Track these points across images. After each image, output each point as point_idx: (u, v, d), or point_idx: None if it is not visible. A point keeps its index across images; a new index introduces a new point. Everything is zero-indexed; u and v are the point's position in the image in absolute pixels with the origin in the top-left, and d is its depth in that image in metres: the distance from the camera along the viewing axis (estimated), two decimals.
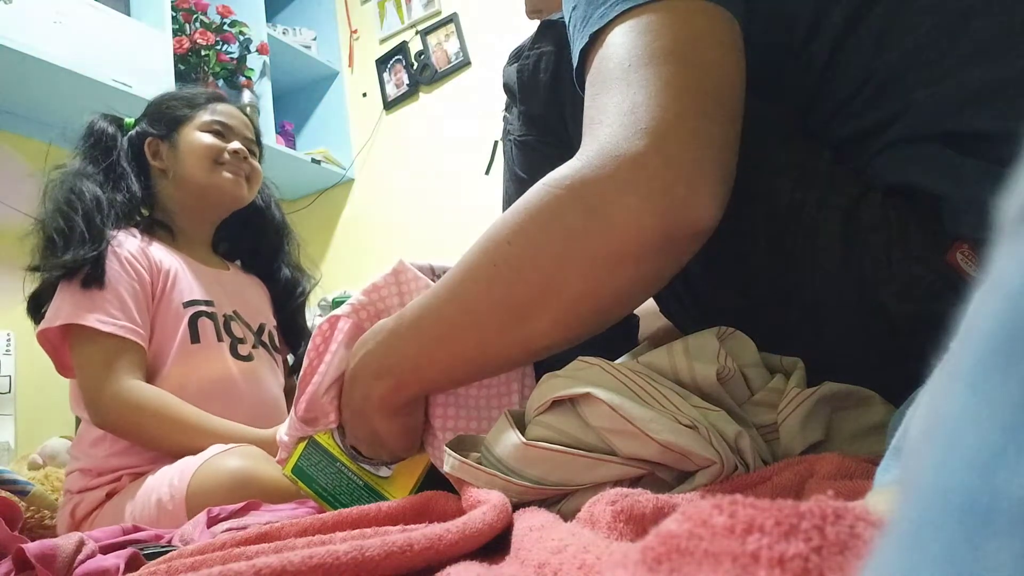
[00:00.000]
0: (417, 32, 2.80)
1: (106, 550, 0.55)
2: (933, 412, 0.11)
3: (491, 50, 2.56)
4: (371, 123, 2.90)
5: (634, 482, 0.48)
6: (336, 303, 2.09)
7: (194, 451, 0.91)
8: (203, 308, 1.11)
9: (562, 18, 0.59)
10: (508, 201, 0.73)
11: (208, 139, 1.16)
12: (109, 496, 0.98)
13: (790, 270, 0.55)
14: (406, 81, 2.82)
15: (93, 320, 0.98)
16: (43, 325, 1.01)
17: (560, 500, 0.49)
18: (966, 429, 0.10)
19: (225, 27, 2.57)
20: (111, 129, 1.18)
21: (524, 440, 0.49)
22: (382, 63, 2.90)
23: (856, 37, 0.53)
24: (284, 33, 2.93)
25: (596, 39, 0.51)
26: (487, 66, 2.58)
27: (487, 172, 2.41)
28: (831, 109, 0.56)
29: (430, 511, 0.52)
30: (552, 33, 0.66)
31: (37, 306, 1.06)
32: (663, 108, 0.45)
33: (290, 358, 1.32)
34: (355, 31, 3.03)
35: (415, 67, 2.80)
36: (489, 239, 0.51)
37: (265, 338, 1.21)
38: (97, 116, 1.20)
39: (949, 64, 0.50)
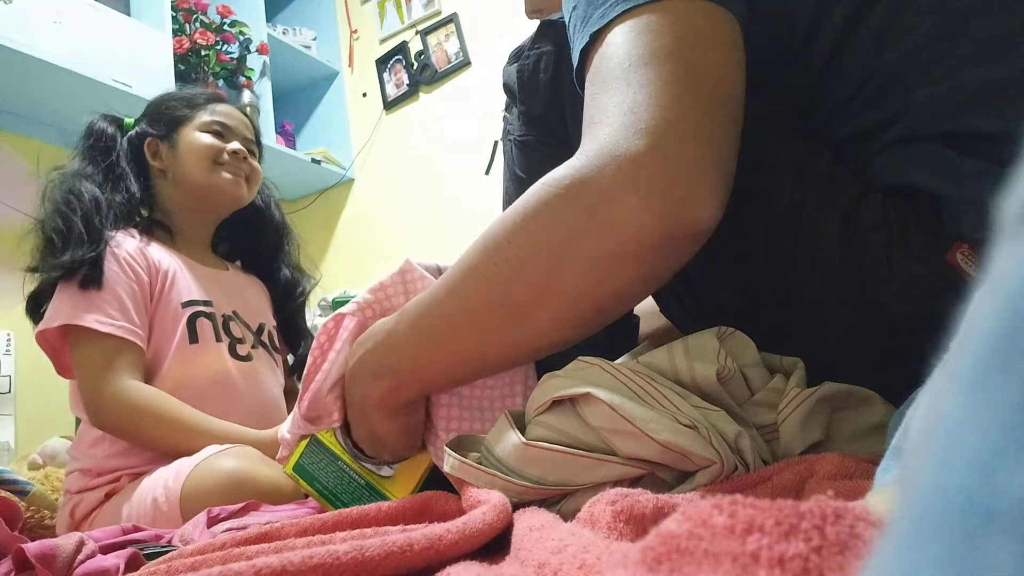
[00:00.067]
0: (417, 32, 2.80)
1: (106, 550, 0.55)
2: (933, 412, 0.11)
3: (491, 50, 2.56)
4: (371, 123, 2.90)
5: (634, 482, 0.48)
6: (336, 303, 2.09)
7: (192, 452, 0.91)
8: (201, 308, 1.11)
9: (562, 18, 0.59)
10: (508, 201, 0.73)
11: (207, 139, 1.16)
12: (108, 496, 0.98)
13: (790, 270, 0.55)
14: (406, 81, 2.82)
15: (91, 321, 0.98)
16: (42, 326, 1.01)
17: (560, 500, 0.49)
18: (966, 429, 0.10)
19: (225, 27, 2.57)
20: (111, 129, 1.18)
21: (524, 440, 0.49)
22: (382, 63, 2.90)
23: (856, 37, 0.53)
24: (284, 33, 2.93)
25: (596, 39, 0.51)
26: (487, 66, 2.58)
27: (487, 172, 2.42)
28: (831, 109, 0.56)
29: (430, 511, 0.52)
30: (552, 33, 0.66)
31: (36, 306, 1.06)
32: (663, 108, 0.45)
33: (290, 358, 1.31)
34: (355, 31, 3.03)
35: (415, 67, 2.80)
36: (488, 239, 0.51)
37: (264, 338, 1.21)
38: (97, 116, 1.20)
39: (949, 64, 0.50)
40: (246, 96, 2.59)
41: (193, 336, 1.08)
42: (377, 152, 2.89)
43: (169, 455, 0.94)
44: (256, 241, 1.33)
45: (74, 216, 1.03)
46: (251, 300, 1.24)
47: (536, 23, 0.70)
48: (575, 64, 0.55)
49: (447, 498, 0.54)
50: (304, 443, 0.66)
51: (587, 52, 0.52)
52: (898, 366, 0.45)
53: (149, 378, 1.03)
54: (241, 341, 1.15)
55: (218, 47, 2.52)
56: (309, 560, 0.33)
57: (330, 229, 2.96)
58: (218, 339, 1.11)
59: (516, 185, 0.70)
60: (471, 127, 2.54)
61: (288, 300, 1.31)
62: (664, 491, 0.43)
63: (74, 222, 1.03)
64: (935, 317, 0.41)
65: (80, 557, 0.50)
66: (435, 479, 0.61)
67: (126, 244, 1.07)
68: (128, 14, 2.26)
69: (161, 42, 2.23)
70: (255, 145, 1.25)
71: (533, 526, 0.40)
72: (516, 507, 0.47)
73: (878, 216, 0.52)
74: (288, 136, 2.91)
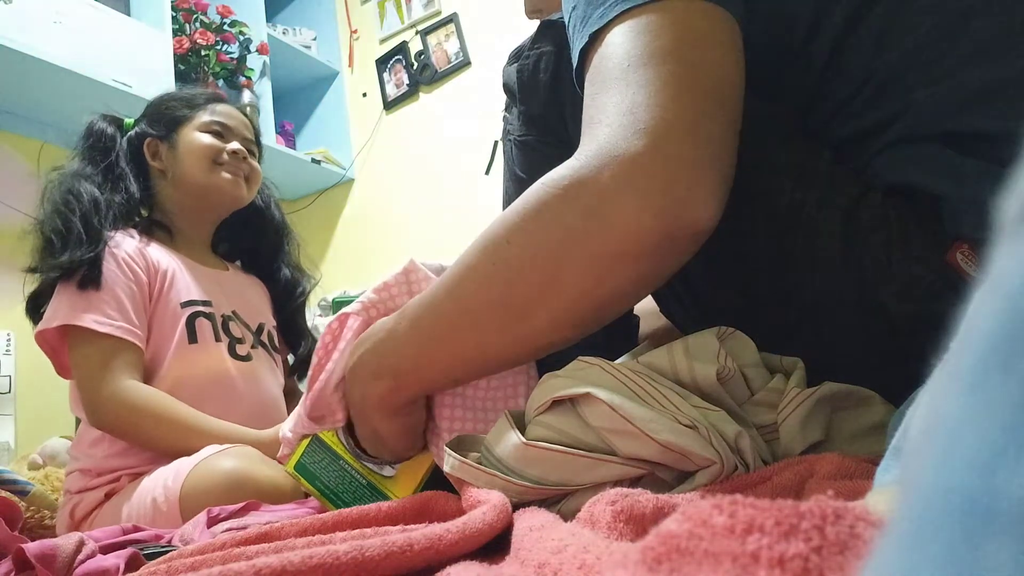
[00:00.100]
0: (417, 32, 2.80)
1: (106, 550, 0.55)
2: (933, 412, 0.11)
3: (491, 50, 2.56)
4: (371, 123, 2.90)
5: (634, 482, 0.48)
6: (336, 303, 2.09)
7: (191, 452, 0.91)
8: (201, 308, 1.11)
9: (562, 18, 0.59)
10: (508, 201, 0.73)
11: (207, 139, 1.16)
12: (108, 496, 0.98)
13: (790, 270, 0.55)
14: (406, 81, 2.82)
15: (90, 321, 0.98)
16: (40, 326, 1.01)
17: (560, 500, 0.49)
18: (966, 429, 0.10)
19: (225, 27, 2.57)
20: (110, 130, 1.18)
21: (524, 440, 0.49)
22: (382, 63, 2.90)
23: (856, 37, 0.53)
24: (284, 33, 2.93)
25: (595, 39, 0.51)
26: (487, 66, 2.58)
27: (487, 172, 2.42)
28: (831, 109, 0.56)
29: (430, 511, 0.52)
30: (552, 33, 0.66)
31: (36, 307, 1.06)
32: (662, 108, 0.45)
33: (290, 358, 1.31)
34: (355, 31, 3.03)
35: (415, 67, 2.80)
36: (488, 239, 0.51)
37: (264, 338, 1.21)
38: (96, 116, 1.20)
39: (949, 64, 0.50)
40: (246, 96, 2.59)
41: (192, 336, 1.08)
42: (377, 152, 2.89)
43: (168, 455, 0.94)
44: (256, 241, 1.33)
45: (73, 217, 1.03)
46: (251, 300, 1.24)
47: (536, 23, 0.70)
48: (575, 64, 0.55)
49: (447, 498, 0.54)
50: (306, 442, 0.66)
51: (586, 52, 0.52)
52: (898, 366, 0.45)
53: (148, 378, 1.03)
54: (240, 341, 1.15)
55: (218, 47, 2.52)
56: (309, 560, 0.33)
57: (330, 229, 2.96)
58: (217, 339, 1.11)
59: (516, 185, 0.70)
60: (471, 127, 2.54)
61: (288, 300, 1.31)
62: (664, 491, 0.43)
63: (73, 223, 1.02)
64: (935, 317, 0.41)
65: (80, 557, 0.50)
66: (438, 479, 0.61)
67: (125, 244, 1.07)
68: (128, 14, 2.26)
69: (161, 42, 2.23)
70: (255, 145, 1.25)
71: (533, 526, 0.40)
72: (516, 507, 0.47)
73: (878, 216, 0.52)
74: (288, 136, 2.91)
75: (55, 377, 1.09)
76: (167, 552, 0.51)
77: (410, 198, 2.75)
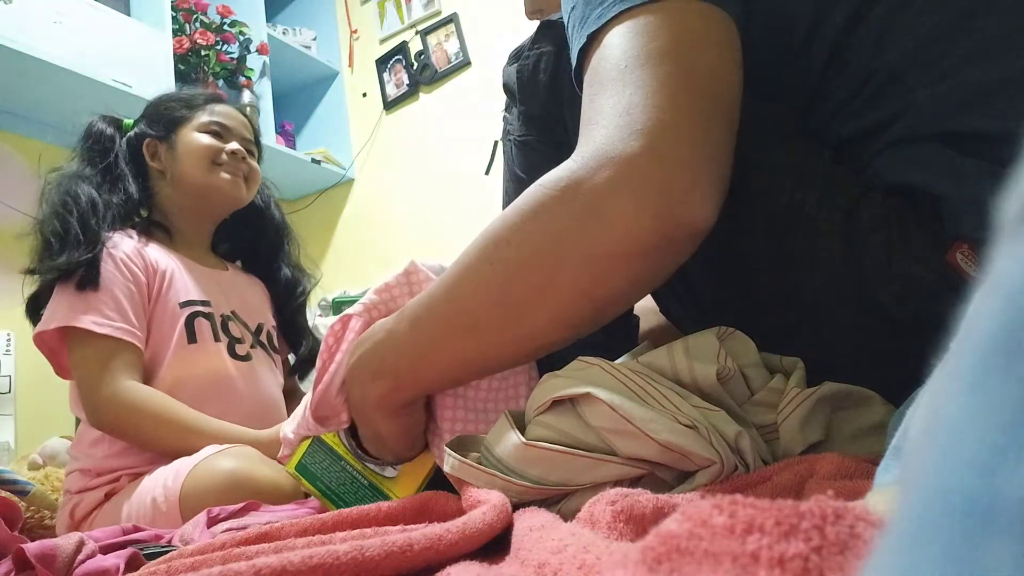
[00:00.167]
0: (417, 32, 2.81)
1: (106, 550, 0.55)
2: (933, 412, 0.11)
3: (491, 50, 2.56)
4: (371, 123, 2.90)
5: (634, 482, 0.48)
6: (336, 303, 2.09)
7: (190, 452, 0.91)
8: (200, 308, 1.11)
9: (562, 18, 0.59)
10: (508, 201, 0.73)
11: (206, 140, 1.16)
12: (108, 496, 0.98)
13: (790, 270, 0.55)
14: (406, 81, 2.82)
15: (88, 322, 0.98)
16: (39, 328, 1.01)
17: (560, 500, 0.49)
18: (966, 429, 0.10)
19: (225, 27, 2.57)
20: (109, 130, 1.18)
21: (524, 440, 0.49)
22: (382, 63, 2.90)
23: (856, 37, 0.53)
24: (284, 33, 2.93)
25: (593, 40, 0.51)
26: (487, 66, 2.58)
27: (487, 172, 2.42)
28: (831, 109, 0.56)
29: (430, 511, 0.52)
30: (552, 33, 0.66)
31: (36, 308, 1.06)
32: (659, 109, 0.45)
33: (291, 358, 1.31)
34: (355, 31, 3.03)
35: (415, 67, 2.80)
36: (486, 239, 0.51)
37: (263, 338, 1.21)
38: (96, 117, 1.19)
39: (949, 64, 0.50)
40: (246, 96, 2.60)
41: (191, 336, 1.08)
42: (377, 152, 2.89)
43: (168, 455, 0.94)
44: (256, 241, 1.33)
45: (70, 218, 1.03)
46: (250, 300, 1.24)
47: (536, 23, 0.70)
48: (574, 65, 0.55)
49: (447, 498, 0.54)
50: (307, 443, 0.66)
51: (585, 53, 0.52)
52: (898, 366, 0.45)
53: (148, 378, 1.03)
54: (240, 341, 1.15)
55: (218, 47, 2.52)
56: (309, 560, 0.33)
57: (330, 229, 2.96)
58: (216, 339, 1.11)
59: (516, 185, 0.70)
60: (471, 127, 2.54)
61: (288, 300, 1.31)
62: (664, 491, 0.43)
63: (71, 224, 1.02)
64: (935, 317, 0.41)
65: (80, 557, 0.50)
66: (439, 480, 0.61)
67: (123, 245, 1.07)
68: (128, 14, 2.26)
69: (161, 42, 2.23)
70: (254, 145, 1.25)
71: (533, 526, 0.40)
72: (516, 507, 0.47)
73: (878, 216, 0.52)
74: (288, 136, 2.91)
75: (55, 377, 1.09)
76: (167, 552, 0.51)
77: (410, 198, 2.75)
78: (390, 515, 0.50)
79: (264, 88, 2.70)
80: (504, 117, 0.74)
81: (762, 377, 0.54)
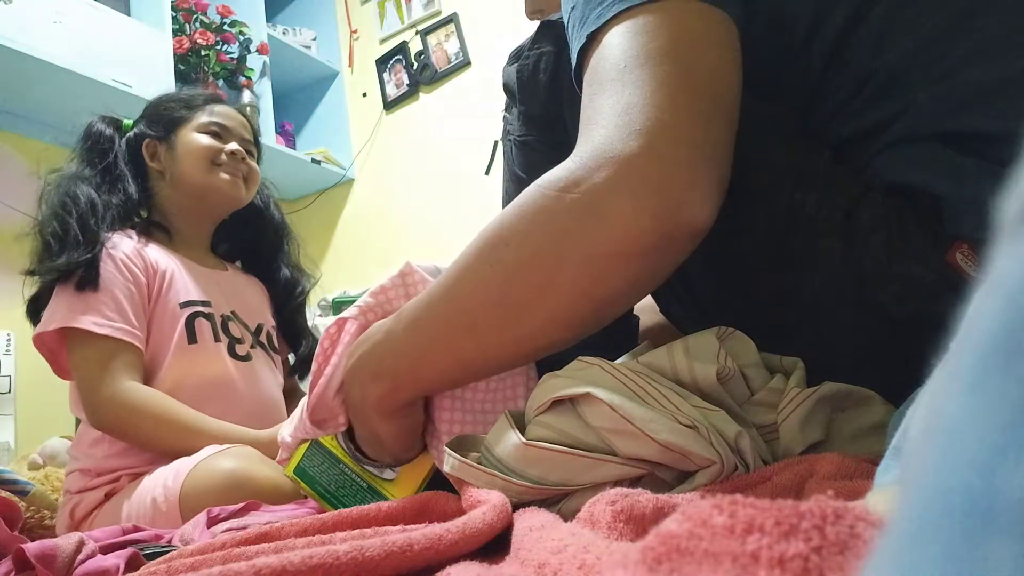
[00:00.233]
0: (417, 32, 2.81)
1: (106, 550, 0.55)
2: (933, 412, 0.11)
3: (491, 50, 2.56)
4: (371, 123, 2.90)
5: (634, 482, 0.48)
6: (336, 303, 2.09)
7: (191, 452, 0.91)
8: (200, 308, 1.11)
9: (562, 18, 0.59)
10: (508, 201, 0.73)
11: (205, 140, 1.16)
12: (108, 496, 0.98)
13: (790, 270, 0.55)
14: (406, 81, 2.82)
15: (88, 322, 0.98)
16: (39, 329, 1.01)
17: (560, 500, 0.49)
18: (966, 429, 0.10)
19: (225, 27, 2.57)
20: (108, 131, 1.18)
21: (524, 440, 0.49)
22: (382, 63, 2.90)
23: (856, 37, 0.53)
24: (284, 33, 2.93)
25: (593, 40, 0.51)
26: (487, 66, 2.58)
27: (487, 172, 2.42)
28: (831, 109, 0.56)
29: (430, 511, 0.52)
30: (552, 33, 0.66)
31: (36, 310, 1.06)
32: (658, 109, 0.45)
33: (291, 358, 1.31)
34: (355, 31, 3.03)
35: (415, 67, 2.80)
36: (485, 240, 0.51)
37: (263, 338, 1.21)
38: (95, 118, 1.19)
39: (949, 64, 0.50)
40: (246, 96, 2.60)
41: (192, 336, 1.08)
42: (377, 152, 2.89)
43: (168, 455, 0.94)
44: (255, 241, 1.33)
45: (70, 219, 1.03)
46: (250, 300, 1.24)
47: (536, 23, 0.70)
48: (573, 65, 0.55)
49: (447, 498, 0.54)
50: (305, 446, 0.66)
51: (584, 53, 0.52)
52: (898, 366, 0.45)
53: (148, 379, 1.03)
54: (240, 341, 1.15)
55: (218, 47, 2.52)
56: (309, 560, 0.33)
57: (330, 229, 2.96)
58: (216, 339, 1.11)
59: (516, 185, 0.70)
60: (471, 127, 2.54)
61: (288, 300, 1.31)
62: (664, 491, 0.43)
63: (70, 225, 1.02)
64: (935, 317, 0.41)
65: (80, 557, 0.50)
66: (438, 481, 0.61)
67: (123, 245, 1.07)
68: (128, 14, 2.26)
69: (161, 42, 2.23)
70: (253, 145, 1.25)
71: (533, 526, 0.40)
72: (516, 507, 0.47)
73: (878, 216, 0.52)
74: (288, 136, 2.91)
75: (55, 377, 1.09)
76: (167, 552, 0.51)
77: (410, 198, 2.75)
78: (390, 515, 0.50)
79: (264, 88, 2.70)
80: (504, 117, 0.74)
81: (762, 377, 0.54)
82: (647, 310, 0.77)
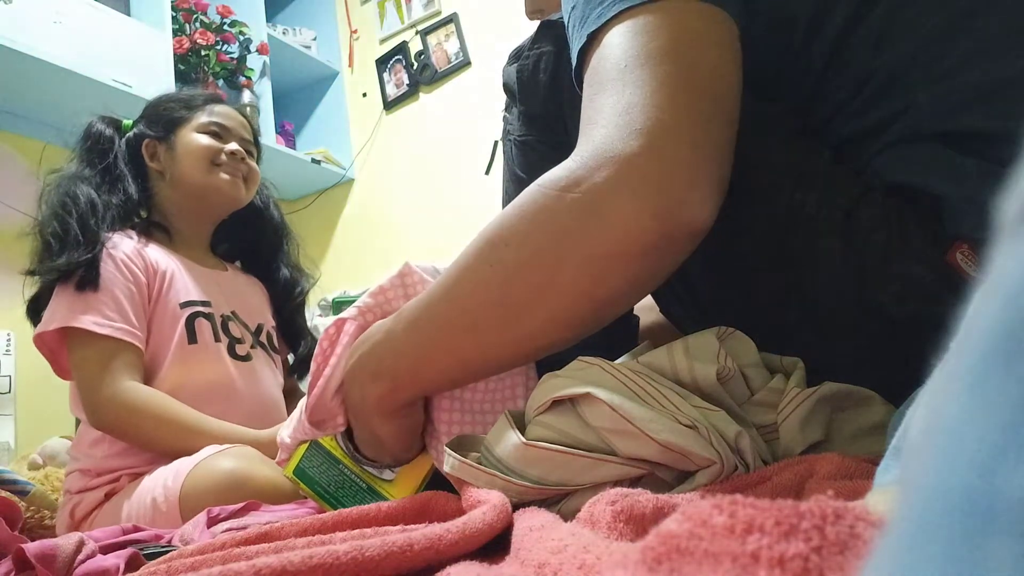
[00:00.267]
0: (417, 32, 2.81)
1: (106, 550, 0.55)
2: (933, 412, 0.11)
3: (491, 50, 2.56)
4: (371, 123, 2.90)
5: (634, 482, 0.48)
6: (336, 303, 2.09)
7: (191, 452, 0.91)
8: (200, 309, 1.11)
9: (562, 18, 0.59)
10: (508, 201, 0.73)
11: (205, 140, 1.16)
12: (108, 496, 0.98)
13: (790, 270, 0.55)
14: (406, 81, 2.82)
15: (88, 322, 0.98)
16: (39, 329, 1.01)
17: (560, 500, 0.49)
18: (966, 429, 0.10)
19: (225, 27, 2.57)
20: (108, 131, 1.18)
21: (524, 440, 0.49)
22: (382, 63, 2.90)
23: (856, 37, 0.53)
24: (284, 33, 2.93)
25: (593, 39, 0.51)
26: (487, 66, 2.58)
27: (487, 172, 2.42)
28: (831, 109, 0.56)
29: (430, 511, 0.52)
30: (551, 33, 0.66)
31: (36, 310, 1.06)
32: (658, 108, 0.45)
33: (290, 358, 1.31)
34: (355, 31, 3.03)
35: (415, 67, 2.80)
36: (485, 240, 0.51)
37: (263, 338, 1.21)
38: (95, 118, 1.19)
39: (949, 64, 0.50)
40: (246, 96, 2.60)
41: (192, 336, 1.08)
42: (377, 152, 2.89)
43: (169, 455, 0.94)
44: (255, 241, 1.33)
45: (70, 219, 1.03)
46: (250, 300, 1.24)
47: (536, 23, 0.70)
48: (574, 64, 0.55)
49: (447, 498, 0.54)
50: (304, 447, 0.66)
51: (585, 52, 0.52)
52: (898, 366, 0.45)
53: (148, 379, 1.03)
54: (240, 341, 1.15)
55: (218, 47, 2.52)
56: (309, 560, 0.33)
57: (330, 229, 2.96)
58: (217, 339, 1.11)
59: (516, 185, 0.70)
60: (471, 127, 2.54)
61: (287, 300, 1.31)
62: (664, 491, 0.43)
63: (70, 225, 1.02)
64: (935, 317, 0.41)
65: (80, 557, 0.50)
66: (437, 482, 0.61)
67: (123, 245, 1.07)
68: (128, 14, 2.26)
69: (161, 42, 2.23)
70: (253, 146, 1.25)
71: (533, 526, 0.40)
72: (516, 507, 0.47)
73: (878, 216, 0.52)
74: (288, 136, 2.91)
75: (55, 377, 1.09)
76: (167, 552, 0.51)
77: (410, 198, 2.75)
78: (390, 515, 0.50)
79: (264, 88, 2.70)
80: (504, 117, 0.74)
81: (762, 377, 0.54)
82: (647, 310, 0.77)
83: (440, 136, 2.69)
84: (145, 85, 2.00)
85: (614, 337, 0.63)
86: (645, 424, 0.45)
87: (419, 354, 0.55)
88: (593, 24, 0.51)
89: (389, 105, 2.86)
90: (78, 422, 1.09)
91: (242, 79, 2.61)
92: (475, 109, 2.57)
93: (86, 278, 1.00)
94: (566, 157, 0.49)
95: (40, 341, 1.03)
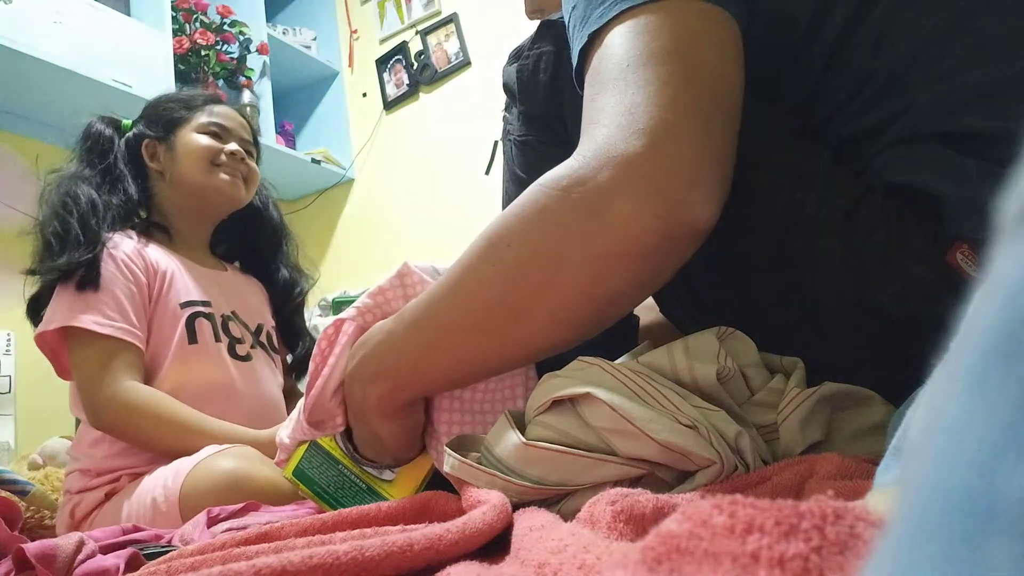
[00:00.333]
0: (417, 32, 2.80)
1: (106, 550, 0.55)
2: (933, 412, 0.11)
3: (491, 50, 2.56)
4: (371, 123, 2.90)
5: (634, 482, 0.48)
6: (336, 303, 2.09)
7: (191, 452, 0.91)
8: (200, 309, 1.11)
9: (562, 18, 0.59)
10: (508, 201, 0.73)
11: (205, 140, 1.16)
12: (108, 496, 0.98)
13: (790, 270, 0.55)
14: (406, 81, 2.82)
15: (89, 322, 0.98)
16: (40, 328, 1.01)
17: (560, 500, 0.49)
18: (966, 429, 0.10)
19: (225, 27, 2.57)
20: (108, 131, 1.18)
21: (524, 440, 0.49)
22: (382, 63, 2.90)
23: (856, 37, 0.53)
24: (284, 33, 2.93)
25: (595, 39, 0.51)
26: (487, 66, 2.58)
27: (487, 172, 2.42)
28: (831, 109, 0.56)
29: (430, 511, 0.52)
30: (552, 33, 0.66)
31: (36, 310, 1.06)
32: (661, 108, 0.45)
33: (289, 358, 1.32)
34: (355, 31, 3.03)
35: (415, 67, 2.80)
36: (486, 240, 0.51)
37: (263, 338, 1.21)
38: (95, 118, 1.20)
39: (949, 64, 0.50)
40: (246, 96, 2.59)
41: (192, 336, 1.08)
42: (377, 152, 2.89)
43: (169, 455, 0.94)
44: (254, 242, 1.33)
45: (71, 219, 1.03)
46: (250, 300, 1.24)
47: (536, 23, 0.70)
48: (575, 64, 0.55)
49: (447, 498, 0.54)
50: (303, 447, 0.65)
51: (586, 52, 0.52)
52: (898, 366, 0.45)
53: (148, 379, 1.03)
54: (240, 341, 1.15)
55: (218, 47, 2.52)
56: (309, 560, 0.33)
57: (330, 229, 2.96)
58: (217, 339, 1.11)
59: (516, 185, 0.70)
60: (471, 127, 2.54)
61: (286, 300, 1.31)
62: (664, 491, 0.43)
63: (71, 224, 1.03)
64: (935, 317, 0.41)
65: (80, 557, 0.50)
66: (437, 482, 0.61)
67: (123, 245, 1.07)
68: (128, 14, 2.26)
69: (161, 42, 2.23)
70: (253, 146, 1.25)
71: (533, 526, 0.40)
72: (516, 507, 0.47)
73: (878, 216, 0.52)
74: (288, 136, 2.91)
75: (55, 377, 1.09)
76: (167, 552, 0.51)
77: (410, 198, 2.75)
78: (390, 515, 0.50)
79: (264, 88, 2.70)
80: (504, 117, 0.74)
81: (762, 377, 0.54)
82: (647, 310, 0.77)
83: (440, 136, 2.69)
84: (145, 85, 2.00)
85: (614, 337, 0.63)
86: (645, 424, 0.45)
87: (420, 354, 0.55)
88: (595, 24, 0.51)
89: (389, 105, 2.86)
90: (78, 422, 1.09)
91: (242, 79, 2.61)
92: (475, 109, 2.57)
93: (87, 278, 1.00)
94: (566, 157, 0.49)
95: (41, 341, 1.03)
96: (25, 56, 1.80)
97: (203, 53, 2.45)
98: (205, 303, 1.12)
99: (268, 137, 2.60)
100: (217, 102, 1.24)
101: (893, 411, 0.49)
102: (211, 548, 0.45)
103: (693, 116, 0.46)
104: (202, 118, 1.18)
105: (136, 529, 0.67)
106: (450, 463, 0.52)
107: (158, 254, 1.12)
